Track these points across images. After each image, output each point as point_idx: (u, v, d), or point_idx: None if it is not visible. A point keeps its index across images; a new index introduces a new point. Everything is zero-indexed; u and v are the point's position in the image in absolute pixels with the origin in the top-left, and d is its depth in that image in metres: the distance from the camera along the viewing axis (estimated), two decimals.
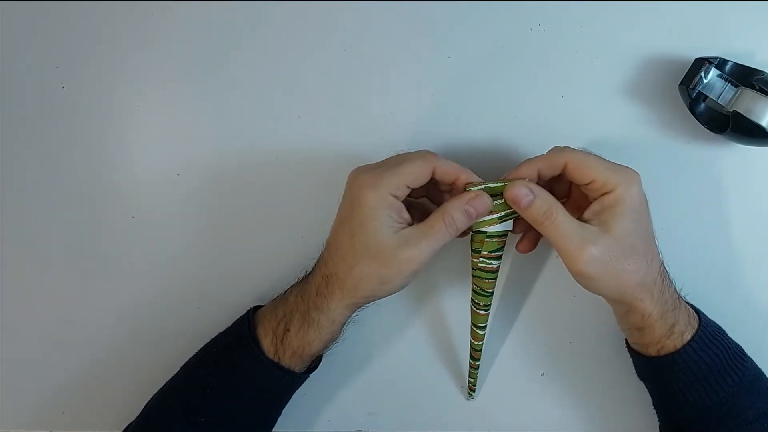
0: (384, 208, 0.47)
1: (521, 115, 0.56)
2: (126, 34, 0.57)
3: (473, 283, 0.52)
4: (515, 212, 0.48)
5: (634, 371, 0.53)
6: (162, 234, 0.58)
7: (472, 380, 0.56)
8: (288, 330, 0.49)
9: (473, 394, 0.58)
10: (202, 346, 0.53)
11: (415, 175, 0.48)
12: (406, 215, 0.48)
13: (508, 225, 0.49)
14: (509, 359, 0.58)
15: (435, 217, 0.48)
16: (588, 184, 0.47)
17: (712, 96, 0.52)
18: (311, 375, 0.53)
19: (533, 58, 0.56)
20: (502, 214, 0.49)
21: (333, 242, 0.49)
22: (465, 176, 0.48)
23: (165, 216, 0.58)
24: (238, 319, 0.53)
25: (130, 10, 0.57)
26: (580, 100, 0.56)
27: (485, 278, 0.51)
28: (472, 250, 0.51)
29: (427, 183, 0.49)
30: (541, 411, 0.58)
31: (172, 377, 0.53)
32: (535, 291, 0.57)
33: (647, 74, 0.55)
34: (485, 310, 0.53)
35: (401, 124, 0.57)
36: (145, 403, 0.53)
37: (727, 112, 0.51)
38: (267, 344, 0.50)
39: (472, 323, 0.54)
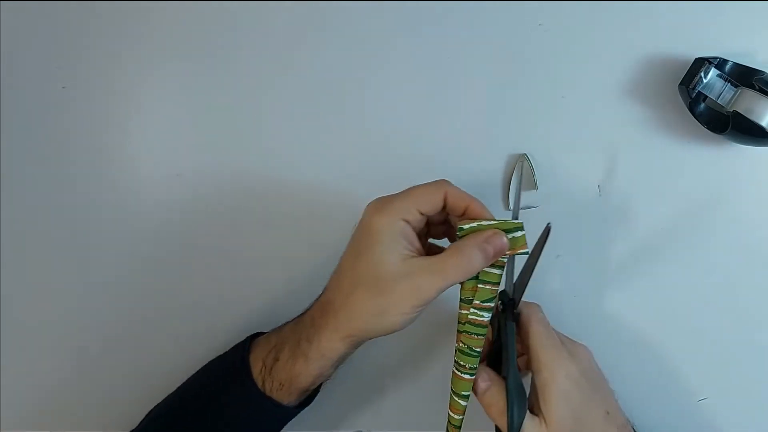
0: (392, 232, 0.44)
1: (521, 115, 0.56)
2: (126, 34, 0.57)
3: (460, 341, 0.47)
4: (506, 256, 0.45)
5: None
6: (162, 235, 0.58)
7: None
8: (277, 360, 0.47)
9: None
10: (200, 367, 0.52)
11: (427, 199, 0.45)
12: (418, 244, 0.45)
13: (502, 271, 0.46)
14: None
15: (449, 253, 0.44)
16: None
17: (712, 96, 0.52)
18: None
19: (534, 57, 0.56)
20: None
21: (337, 268, 0.47)
22: (475, 204, 0.45)
23: (165, 216, 0.58)
24: (236, 344, 0.51)
25: (130, 11, 0.57)
26: (580, 100, 0.55)
27: (474, 334, 0.46)
28: (461, 301, 0.47)
29: (445, 222, 0.47)
30: None
31: (168, 397, 0.52)
32: (535, 291, 0.57)
33: (647, 74, 0.55)
34: (470, 375, 0.47)
35: (401, 125, 0.57)
36: (147, 409, 0.52)
37: (727, 112, 0.51)
38: (256, 373, 0.47)
39: (453, 392, 0.48)
